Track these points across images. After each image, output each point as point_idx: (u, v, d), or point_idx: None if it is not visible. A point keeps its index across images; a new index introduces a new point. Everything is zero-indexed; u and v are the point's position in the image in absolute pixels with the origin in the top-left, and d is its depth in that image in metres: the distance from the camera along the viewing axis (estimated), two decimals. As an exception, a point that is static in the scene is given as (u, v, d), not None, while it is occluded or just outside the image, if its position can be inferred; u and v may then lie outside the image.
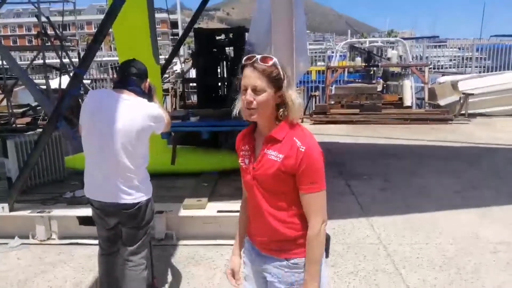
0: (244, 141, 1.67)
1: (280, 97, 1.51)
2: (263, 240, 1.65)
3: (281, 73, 1.50)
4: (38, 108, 11.14)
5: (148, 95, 2.50)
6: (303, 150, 1.48)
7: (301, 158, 1.48)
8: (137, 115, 2.32)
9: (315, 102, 12.70)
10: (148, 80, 2.54)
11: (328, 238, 1.75)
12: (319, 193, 1.53)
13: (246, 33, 6.43)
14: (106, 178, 2.37)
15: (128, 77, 2.42)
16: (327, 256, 1.77)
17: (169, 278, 3.32)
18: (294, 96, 1.51)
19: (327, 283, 1.67)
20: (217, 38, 6.67)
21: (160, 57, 7.30)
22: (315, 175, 1.51)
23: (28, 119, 10.87)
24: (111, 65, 16.63)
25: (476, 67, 15.16)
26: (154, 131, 2.45)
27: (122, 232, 2.52)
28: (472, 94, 10.70)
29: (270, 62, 1.48)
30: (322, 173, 1.53)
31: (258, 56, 1.49)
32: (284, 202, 1.56)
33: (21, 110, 11.34)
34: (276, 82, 1.49)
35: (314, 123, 10.46)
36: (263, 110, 1.51)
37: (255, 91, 1.48)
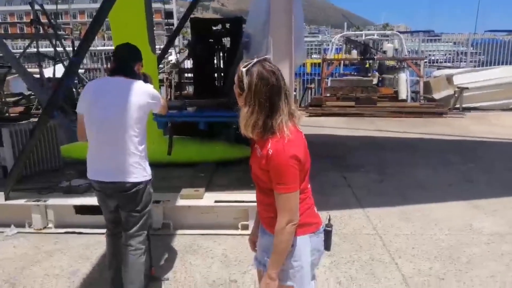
0: None
1: None
2: (261, 215, 1.83)
3: (244, 84, 1.58)
4: (31, 97, 11.03)
5: (143, 81, 2.56)
6: (270, 153, 1.59)
7: (268, 160, 1.59)
8: (135, 93, 2.42)
9: (311, 95, 12.70)
10: (142, 64, 2.63)
11: (329, 233, 1.79)
12: (284, 195, 1.61)
13: (244, 24, 6.39)
14: (108, 157, 2.43)
15: (122, 62, 2.53)
16: (327, 249, 1.81)
17: (167, 267, 3.33)
18: (243, 109, 1.61)
19: (302, 271, 1.73)
20: (214, 28, 6.62)
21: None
22: (281, 177, 1.59)
23: (21, 108, 10.77)
24: (104, 54, 16.47)
25: (471, 61, 15.23)
26: (152, 109, 2.56)
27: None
28: (467, 88, 10.76)
29: (242, 68, 1.59)
30: (289, 176, 1.59)
31: (250, 60, 1.61)
32: (268, 189, 1.67)
33: (13, 99, 11.21)
34: (239, 86, 1.62)
35: (309, 116, 10.46)
36: (238, 100, 1.68)
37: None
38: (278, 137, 1.58)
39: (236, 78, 1.62)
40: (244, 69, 1.58)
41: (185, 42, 15.25)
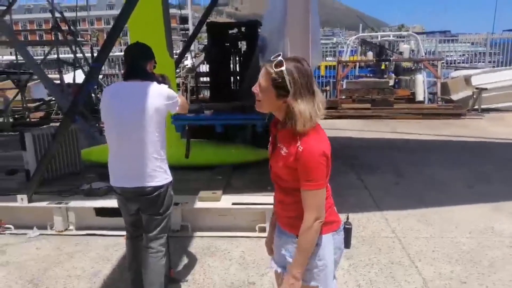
0: (273, 129, 1.79)
1: (285, 103, 1.60)
2: (279, 215, 1.82)
3: (287, 81, 1.56)
4: (51, 102, 11.29)
5: (161, 82, 2.55)
6: (300, 150, 1.59)
7: (298, 157, 1.59)
8: (150, 96, 2.40)
9: (326, 97, 12.66)
10: (154, 61, 2.60)
11: (349, 230, 1.80)
12: (313, 191, 1.61)
13: (259, 27, 6.43)
14: (129, 163, 2.44)
15: (134, 63, 2.52)
16: (347, 247, 1.81)
17: (185, 268, 3.36)
18: (298, 106, 1.57)
19: (327, 270, 1.72)
20: (230, 32, 6.67)
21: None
22: (310, 174, 1.59)
23: (41, 114, 11.03)
24: (121, 60, 16.73)
25: (489, 62, 14.97)
26: (169, 110, 2.53)
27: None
28: (486, 89, 10.58)
29: (278, 69, 1.57)
30: (318, 173, 1.60)
31: (277, 59, 1.59)
32: (290, 188, 1.68)
33: (34, 105, 11.49)
34: (277, 88, 1.59)
35: (325, 118, 10.19)
36: (266, 106, 1.66)
37: (260, 87, 1.63)
38: (307, 134, 1.59)
39: (273, 81, 1.58)
40: (283, 68, 1.55)
41: (200, 47, 15.39)
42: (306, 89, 1.59)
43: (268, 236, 2.04)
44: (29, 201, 4.13)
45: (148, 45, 2.59)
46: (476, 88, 10.66)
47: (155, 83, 2.46)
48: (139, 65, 2.50)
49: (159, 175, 2.46)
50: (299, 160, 1.59)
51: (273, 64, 1.58)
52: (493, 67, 14.06)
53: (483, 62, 15.25)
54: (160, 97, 2.42)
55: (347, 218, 1.84)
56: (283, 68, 1.56)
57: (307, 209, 1.62)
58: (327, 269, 1.71)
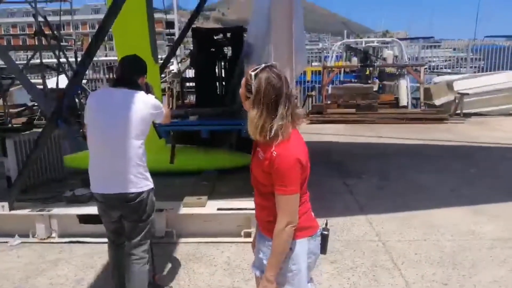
0: None
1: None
2: (258, 219, 1.86)
3: (253, 87, 1.62)
4: (34, 108, 11.11)
5: (146, 91, 2.58)
6: (274, 155, 1.62)
7: (272, 161, 1.63)
8: (137, 104, 2.43)
9: (312, 102, 12.75)
10: (146, 76, 2.66)
11: (326, 236, 1.81)
12: (285, 196, 1.64)
13: (244, 33, 6.47)
14: (111, 170, 2.44)
15: (127, 74, 2.55)
16: (323, 252, 1.83)
17: (170, 274, 3.34)
18: (251, 113, 1.63)
19: (300, 274, 1.75)
20: (215, 37, 6.70)
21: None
22: (283, 179, 1.62)
23: (24, 119, 10.85)
24: (107, 64, 16.60)
25: (471, 67, 15.31)
26: (154, 120, 2.59)
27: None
28: (467, 94, 10.79)
29: (250, 72, 1.63)
30: (292, 179, 1.63)
31: (261, 66, 1.65)
32: (268, 192, 1.71)
33: (17, 110, 11.30)
34: (247, 90, 1.65)
35: (310, 123, 10.53)
36: (243, 103, 1.70)
37: (242, 84, 1.70)
38: (282, 140, 1.62)
39: (243, 81, 1.67)
40: (253, 73, 1.62)
41: (186, 52, 15.38)
42: (267, 103, 1.60)
43: (254, 239, 2.06)
44: (11, 208, 4.05)
45: (144, 61, 2.66)
46: (458, 93, 10.87)
47: (142, 93, 2.51)
48: (131, 77, 2.54)
49: (141, 182, 2.47)
50: (273, 164, 1.62)
51: (253, 68, 1.64)
52: (475, 72, 14.37)
53: (465, 67, 15.58)
54: (147, 106, 2.46)
55: (326, 224, 1.85)
56: (253, 73, 1.62)
57: (279, 213, 1.65)
58: (300, 274, 1.74)
